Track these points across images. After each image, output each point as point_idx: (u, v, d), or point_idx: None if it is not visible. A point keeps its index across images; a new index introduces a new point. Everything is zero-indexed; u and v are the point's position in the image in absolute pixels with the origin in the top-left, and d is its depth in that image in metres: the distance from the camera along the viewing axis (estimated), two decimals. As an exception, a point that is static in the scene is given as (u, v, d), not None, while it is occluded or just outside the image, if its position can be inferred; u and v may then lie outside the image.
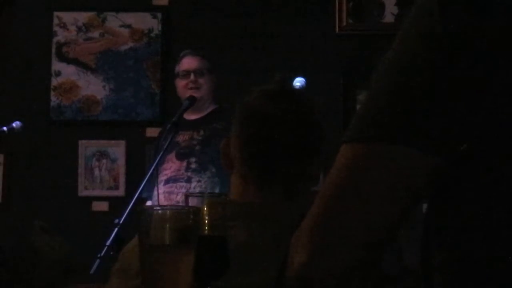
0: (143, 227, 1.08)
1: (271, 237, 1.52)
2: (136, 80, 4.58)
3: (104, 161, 4.58)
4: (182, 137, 3.67)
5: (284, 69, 4.20)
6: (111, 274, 1.66)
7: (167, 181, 3.61)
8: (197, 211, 1.14)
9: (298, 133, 1.65)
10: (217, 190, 3.48)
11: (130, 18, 4.64)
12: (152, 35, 4.62)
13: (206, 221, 1.25)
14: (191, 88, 3.70)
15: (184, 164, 3.60)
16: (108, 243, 3.15)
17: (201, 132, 3.65)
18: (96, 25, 4.65)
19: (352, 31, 4.49)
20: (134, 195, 3.30)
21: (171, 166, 3.63)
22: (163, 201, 3.59)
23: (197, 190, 3.55)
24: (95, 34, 4.65)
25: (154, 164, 3.19)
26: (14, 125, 3.85)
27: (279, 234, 1.52)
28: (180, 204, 3.30)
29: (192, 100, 3.56)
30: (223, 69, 4.51)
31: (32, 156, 4.59)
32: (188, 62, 3.76)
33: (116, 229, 3.12)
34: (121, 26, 4.64)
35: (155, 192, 3.58)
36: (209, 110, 3.74)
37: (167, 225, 1.09)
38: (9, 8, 4.66)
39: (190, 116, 3.68)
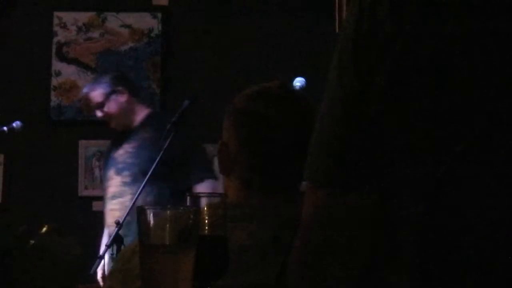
0: (143, 227, 1.08)
1: (271, 238, 1.52)
2: (136, 80, 4.57)
3: (104, 161, 4.58)
4: (118, 152, 3.63)
5: (284, 69, 4.20)
6: (109, 274, 1.65)
7: (112, 198, 3.59)
8: (197, 211, 1.14)
9: (299, 134, 1.64)
10: (149, 200, 3.42)
11: (130, 18, 4.64)
12: (152, 35, 4.62)
13: (206, 221, 1.25)
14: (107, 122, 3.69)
15: (120, 178, 3.57)
16: (108, 243, 3.15)
17: (132, 144, 3.60)
18: (96, 25, 4.66)
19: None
20: (135, 195, 3.30)
21: (112, 183, 3.61)
22: (109, 219, 3.56)
23: (129, 203, 3.43)
24: (95, 34, 4.66)
25: (153, 166, 3.18)
26: (14, 125, 3.85)
27: (279, 235, 1.52)
28: (119, 220, 3.30)
29: (193, 99, 3.55)
30: (223, 69, 4.52)
31: (32, 156, 4.59)
32: (89, 100, 3.69)
33: (116, 229, 3.11)
34: (121, 26, 4.64)
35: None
36: (139, 118, 3.67)
37: (167, 225, 1.09)
38: (9, 8, 4.66)
39: (123, 129, 3.66)
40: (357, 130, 1.01)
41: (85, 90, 3.73)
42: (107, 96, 3.62)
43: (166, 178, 3.31)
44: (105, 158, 3.79)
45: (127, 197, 3.51)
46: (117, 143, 3.67)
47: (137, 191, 3.46)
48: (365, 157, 1.00)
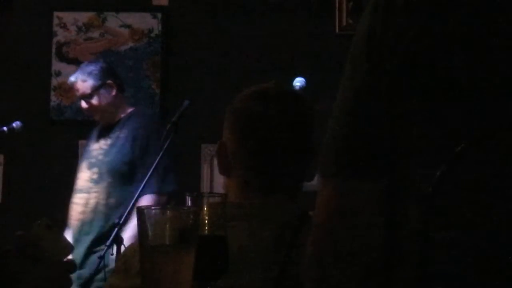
0: (143, 227, 1.08)
1: (271, 237, 1.52)
2: (136, 80, 4.58)
3: (104, 161, 4.58)
4: (94, 146, 3.60)
5: (284, 69, 4.20)
6: (111, 273, 1.66)
7: (78, 192, 3.56)
8: (197, 211, 1.14)
9: (298, 134, 1.64)
10: (111, 200, 3.39)
11: (130, 18, 4.64)
12: (152, 35, 4.62)
13: (206, 221, 1.25)
14: (89, 115, 3.65)
15: (89, 174, 3.53)
16: (108, 243, 3.14)
17: (107, 141, 3.57)
18: (96, 25, 4.65)
19: (352, 31, 4.47)
20: (134, 195, 3.28)
21: (82, 176, 3.57)
22: (71, 212, 3.53)
23: (92, 201, 3.45)
24: (95, 34, 4.65)
25: (153, 167, 3.15)
26: (14, 125, 3.84)
27: (279, 234, 1.52)
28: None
29: (190, 101, 3.53)
30: (223, 69, 4.52)
31: (32, 156, 4.58)
32: (75, 89, 3.63)
33: (116, 229, 3.11)
34: (121, 26, 4.64)
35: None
36: (121, 116, 3.63)
37: (167, 225, 1.09)
38: (9, 8, 4.65)
39: (106, 123, 3.63)
40: (368, 124, 1.01)
41: (71, 79, 3.62)
42: (97, 89, 3.56)
43: (130, 181, 3.26)
44: (84, 148, 3.75)
45: (92, 194, 3.47)
46: (96, 137, 3.63)
47: (101, 190, 3.43)
48: (375, 149, 1.01)
